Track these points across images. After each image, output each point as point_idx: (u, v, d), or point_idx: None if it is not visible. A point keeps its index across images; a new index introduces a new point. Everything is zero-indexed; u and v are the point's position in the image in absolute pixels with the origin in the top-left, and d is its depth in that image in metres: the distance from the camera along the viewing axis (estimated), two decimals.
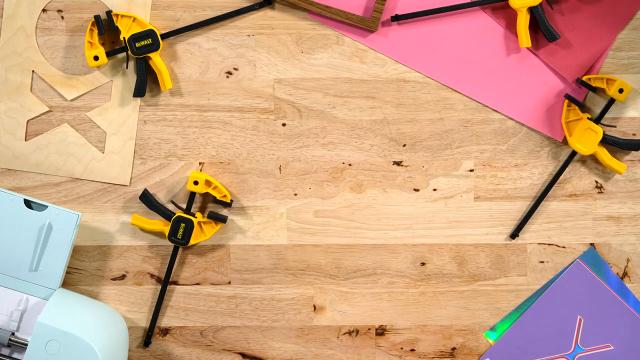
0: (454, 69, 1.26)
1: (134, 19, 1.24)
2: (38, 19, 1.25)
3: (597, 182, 1.28)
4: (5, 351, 1.20)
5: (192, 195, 1.26)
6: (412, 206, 1.28)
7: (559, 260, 1.28)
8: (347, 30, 1.26)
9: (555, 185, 1.27)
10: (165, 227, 1.26)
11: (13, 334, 1.19)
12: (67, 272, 1.28)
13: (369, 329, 1.29)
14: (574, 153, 1.26)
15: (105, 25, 1.24)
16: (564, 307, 1.28)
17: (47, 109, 1.26)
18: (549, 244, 1.28)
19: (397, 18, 1.25)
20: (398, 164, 1.28)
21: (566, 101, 1.25)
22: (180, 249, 1.28)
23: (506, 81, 1.27)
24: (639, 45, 1.27)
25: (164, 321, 1.29)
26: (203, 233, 1.26)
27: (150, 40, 1.23)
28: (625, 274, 1.28)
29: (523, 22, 1.23)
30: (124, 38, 1.23)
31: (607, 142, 1.25)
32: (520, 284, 1.29)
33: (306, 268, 1.28)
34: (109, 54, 1.24)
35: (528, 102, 1.27)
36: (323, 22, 1.26)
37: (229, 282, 1.29)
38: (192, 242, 1.25)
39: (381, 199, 1.28)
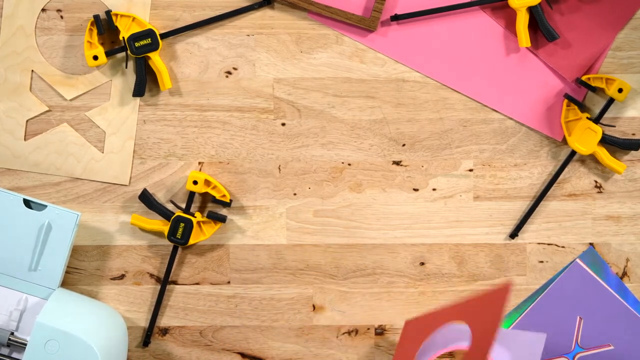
0: (453, 68, 1.26)
1: (134, 19, 1.24)
2: (37, 18, 1.26)
3: (596, 181, 1.28)
4: (5, 351, 1.20)
5: (192, 194, 1.26)
6: (412, 206, 1.28)
7: (558, 260, 1.28)
8: (346, 30, 1.26)
9: (554, 185, 1.27)
10: (164, 226, 1.26)
11: (12, 333, 1.20)
12: (67, 272, 1.28)
13: (369, 329, 1.29)
14: (573, 153, 1.26)
15: (105, 25, 1.24)
16: (564, 307, 1.28)
17: (47, 108, 1.27)
18: (548, 244, 1.28)
19: (396, 18, 1.25)
20: (397, 163, 1.28)
21: (565, 101, 1.25)
22: (180, 249, 1.28)
23: (505, 81, 1.27)
24: (639, 45, 1.27)
25: (164, 321, 1.29)
26: (202, 233, 1.26)
27: (149, 39, 1.23)
28: (624, 273, 1.28)
29: (522, 21, 1.23)
30: (123, 38, 1.23)
31: (607, 141, 1.25)
32: (520, 284, 1.28)
33: (305, 268, 1.28)
34: (108, 54, 1.24)
35: (527, 102, 1.27)
36: (323, 21, 1.26)
37: (229, 282, 1.29)
38: (191, 241, 1.25)
39: (380, 199, 1.28)
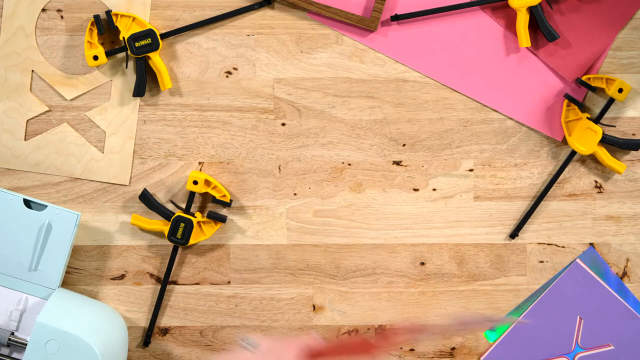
0: (453, 68, 1.26)
1: (134, 19, 1.24)
2: (38, 18, 1.25)
3: (596, 181, 1.28)
4: (5, 351, 1.20)
5: (192, 195, 1.26)
6: (412, 206, 1.28)
7: (558, 260, 1.28)
8: (346, 29, 1.26)
9: (554, 185, 1.27)
10: (164, 226, 1.26)
11: (12, 333, 1.20)
12: (67, 272, 1.28)
13: (369, 329, 1.29)
14: (573, 153, 1.26)
15: (105, 25, 1.24)
16: (564, 308, 1.28)
17: (47, 108, 1.27)
18: (548, 244, 1.28)
19: (396, 18, 1.25)
20: (397, 163, 1.28)
21: (566, 101, 1.25)
22: (180, 249, 1.28)
23: (506, 81, 1.27)
24: (639, 45, 1.27)
25: (164, 321, 1.29)
26: (202, 233, 1.26)
27: (149, 40, 1.23)
28: (624, 273, 1.28)
29: (523, 21, 1.23)
30: (123, 38, 1.23)
31: (607, 141, 1.25)
32: (520, 284, 1.28)
33: (305, 268, 1.28)
34: (108, 54, 1.24)
35: (527, 102, 1.27)
36: (322, 21, 1.26)
37: (229, 282, 1.29)
38: (191, 241, 1.25)
39: (381, 199, 1.28)
